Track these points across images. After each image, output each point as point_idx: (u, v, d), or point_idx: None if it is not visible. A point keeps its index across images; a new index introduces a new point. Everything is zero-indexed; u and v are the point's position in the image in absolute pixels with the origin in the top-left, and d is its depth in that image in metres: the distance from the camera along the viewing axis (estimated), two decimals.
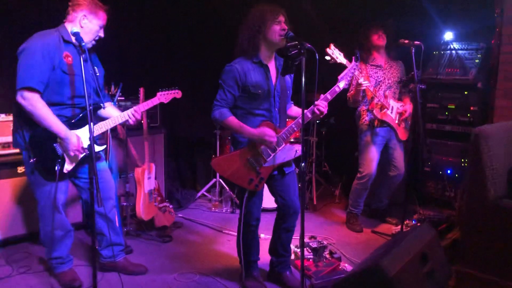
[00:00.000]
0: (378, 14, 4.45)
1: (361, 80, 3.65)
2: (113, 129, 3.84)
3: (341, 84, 2.94)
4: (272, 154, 2.83)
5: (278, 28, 2.75)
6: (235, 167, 2.81)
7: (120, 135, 3.98)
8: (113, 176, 3.62)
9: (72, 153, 2.79)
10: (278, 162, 2.87)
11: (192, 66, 5.23)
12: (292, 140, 4.95)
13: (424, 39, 3.75)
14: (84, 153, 2.84)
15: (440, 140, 4.73)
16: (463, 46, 4.61)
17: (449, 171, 4.66)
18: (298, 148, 2.92)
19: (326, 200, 5.05)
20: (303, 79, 2.53)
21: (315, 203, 4.80)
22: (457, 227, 3.98)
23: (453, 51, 4.64)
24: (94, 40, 2.90)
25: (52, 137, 2.76)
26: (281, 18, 2.78)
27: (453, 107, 4.60)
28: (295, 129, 2.84)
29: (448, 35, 4.71)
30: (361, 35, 4.10)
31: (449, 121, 4.64)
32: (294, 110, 3.11)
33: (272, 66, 2.89)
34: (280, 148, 2.85)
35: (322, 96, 2.87)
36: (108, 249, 3.22)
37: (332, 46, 3.43)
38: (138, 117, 3.04)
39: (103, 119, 3.02)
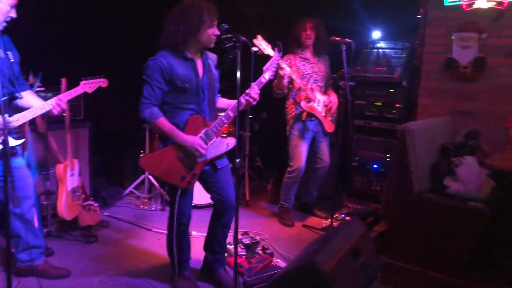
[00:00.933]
0: (310, 10, 4.49)
1: (283, 65, 3.64)
2: (32, 122, 3.56)
3: (267, 75, 2.92)
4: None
5: (211, 32, 2.70)
6: (166, 165, 2.70)
7: (40, 128, 3.69)
8: (32, 173, 3.36)
9: None
10: (209, 157, 2.81)
11: (121, 55, 4.96)
12: (224, 134, 4.89)
13: (354, 37, 3.84)
14: None
15: (367, 136, 4.88)
16: (390, 45, 4.79)
17: (375, 166, 4.82)
18: (229, 141, 2.88)
19: (259, 195, 5.04)
20: (238, 73, 2.48)
21: (247, 198, 4.77)
22: (383, 220, 4.14)
23: (380, 50, 4.80)
24: (5, 21, 2.63)
25: None
26: (216, 21, 2.72)
27: (380, 104, 4.75)
28: (225, 121, 2.78)
29: (376, 34, 4.87)
30: (292, 30, 4.11)
31: (376, 117, 4.79)
32: (223, 102, 3.03)
33: (198, 60, 2.81)
34: (211, 142, 2.78)
35: (252, 84, 2.83)
36: (26, 253, 2.97)
37: (259, 37, 3.42)
38: (64, 106, 2.82)
39: (22, 109, 2.77)
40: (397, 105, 4.65)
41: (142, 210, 4.48)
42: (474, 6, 4.09)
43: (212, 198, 2.96)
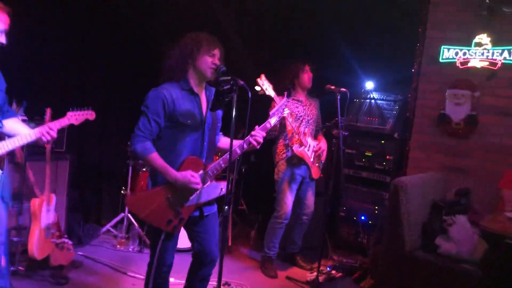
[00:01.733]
0: (304, 57, 4.48)
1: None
2: (10, 151, 3.38)
3: (273, 120, 2.81)
4: (196, 192, 2.58)
5: (210, 60, 2.57)
6: (153, 207, 2.51)
7: (18, 158, 3.51)
8: (4, 206, 3.15)
9: None
10: (201, 201, 2.62)
11: (105, 89, 4.85)
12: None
13: (346, 86, 3.81)
14: None
15: (355, 186, 4.80)
16: (382, 96, 4.79)
17: (363, 217, 4.71)
18: (223, 186, 2.70)
19: (242, 241, 4.85)
20: (233, 117, 2.38)
21: (229, 244, 4.58)
22: (369, 275, 4.00)
23: (373, 100, 4.79)
24: None
25: None
26: (216, 52, 2.61)
27: (370, 154, 4.70)
28: (223, 165, 2.63)
29: (369, 84, 4.88)
30: (290, 71, 4.05)
31: (366, 167, 4.73)
32: (224, 141, 2.88)
33: (203, 97, 2.68)
34: (205, 185, 2.62)
35: (257, 127, 2.71)
36: None
37: (263, 76, 3.36)
38: (54, 135, 2.65)
39: (5, 137, 2.60)
40: (388, 157, 4.60)
41: (119, 251, 4.24)
42: (469, 64, 4.14)
43: (192, 247, 2.76)
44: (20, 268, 3.44)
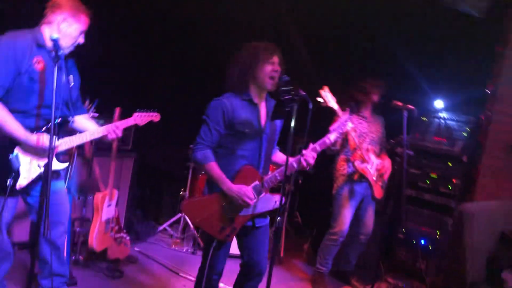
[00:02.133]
0: (370, 72, 4.36)
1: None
2: (80, 146, 3.57)
3: (332, 136, 2.73)
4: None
5: (269, 69, 2.56)
6: (208, 213, 2.54)
7: (87, 153, 3.69)
8: (70, 197, 3.32)
9: (34, 159, 2.52)
10: (255, 212, 2.61)
11: (172, 92, 5.01)
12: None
13: (414, 103, 3.66)
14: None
15: (417, 208, 4.58)
16: (453, 117, 4.55)
17: (423, 241, 4.49)
18: (277, 198, 2.67)
19: (294, 253, 4.79)
20: (292, 127, 2.36)
21: (281, 255, 4.53)
22: None
23: (442, 120, 4.57)
24: (72, 45, 2.66)
25: (8, 148, 2.48)
26: (275, 59, 2.60)
27: (435, 176, 4.48)
28: (278, 178, 2.60)
29: (439, 103, 4.65)
30: (359, 87, 3.96)
31: (430, 190, 4.51)
32: (279, 156, 2.86)
33: (262, 107, 2.68)
34: (260, 197, 2.60)
35: (311, 146, 2.65)
36: (48, 280, 2.87)
37: (326, 88, 3.32)
38: (119, 134, 2.79)
39: (76, 132, 2.76)
40: (454, 180, 4.35)
41: (173, 251, 4.34)
42: None
43: (241, 257, 2.75)
44: (81, 257, 3.60)
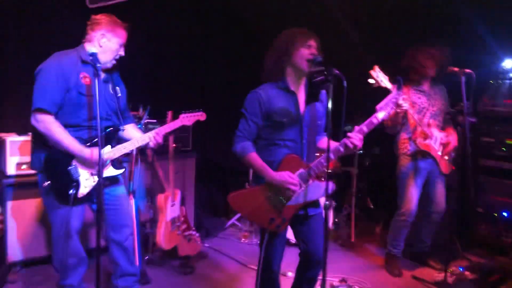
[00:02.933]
0: (429, 38, 4.09)
1: (401, 101, 3.27)
2: (143, 151, 3.76)
3: (380, 115, 2.55)
4: (299, 192, 2.53)
5: (307, 52, 2.50)
6: (255, 205, 2.55)
7: (149, 158, 3.88)
8: (136, 201, 3.51)
9: (90, 171, 2.70)
10: (303, 201, 2.56)
11: (227, 90, 5.09)
12: (330, 170, 4.66)
13: (479, 67, 3.38)
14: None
15: (496, 178, 4.26)
16: None
17: (505, 214, 4.17)
18: (328, 186, 2.59)
19: (366, 237, 4.67)
20: (330, 107, 2.30)
21: (352, 240, 4.44)
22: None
23: None
24: (114, 59, 2.81)
25: (67, 160, 2.68)
26: (312, 43, 2.54)
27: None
28: (324, 164, 2.52)
29: (508, 63, 4.27)
30: (409, 58, 3.76)
31: (508, 158, 4.17)
32: (325, 141, 2.79)
33: (301, 94, 2.62)
34: (308, 184, 2.55)
35: (356, 128, 2.52)
36: (122, 279, 3.06)
37: (376, 68, 3.15)
38: (159, 139, 2.90)
39: (125, 140, 2.92)
40: None
41: (243, 244, 4.43)
42: None
43: (299, 247, 2.72)
44: (153, 257, 3.79)
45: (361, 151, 4.93)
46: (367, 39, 4.84)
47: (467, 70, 3.30)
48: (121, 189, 3.01)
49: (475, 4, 4.28)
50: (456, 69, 3.37)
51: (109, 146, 2.78)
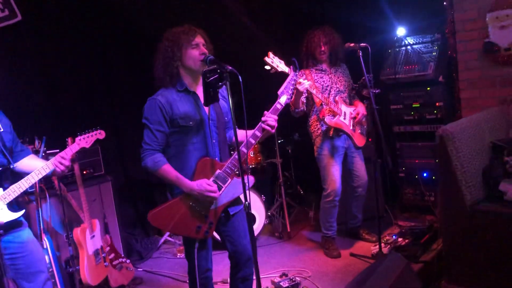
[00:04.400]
0: (326, 13, 4.12)
1: (301, 80, 3.28)
2: (51, 186, 3.46)
3: (283, 99, 2.53)
4: (219, 194, 2.43)
5: (196, 53, 2.41)
6: (177, 217, 2.41)
7: (58, 190, 3.57)
8: (49, 241, 3.23)
9: None
10: (227, 201, 2.49)
11: (137, 102, 4.82)
12: (252, 165, 4.60)
13: (377, 37, 3.45)
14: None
15: (410, 142, 4.43)
16: (418, 40, 4.35)
17: (425, 174, 4.35)
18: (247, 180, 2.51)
19: (302, 224, 4.67)
20: (231, 105, 2.22)
21: (288, 230, 4.41)
22: (440, 236, 3.65)
23: (408, 47, 4.36)
24: None
25: None
26: (199, 40, 2.44)
27: (418, 105, 4.31)
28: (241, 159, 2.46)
29: (401, 31, 4.44)
30: (304, 45, 3.78)
31: (417, 121, 4.34)
32: (240, 134, 2.69)
33: (201, 92, 2.51)
34: (226, 185, 2.45)
35: (266, 113, 2.49)
36: None
37: (270, 54, 3.12)
38: (67, 163, 2.64)
39: (26, 175, 2.62)
40: (437, 104, 4.19)
41: (179, 259, 4.23)
42: None
43: (227, 248, 2.63)
44: None
45: (281, 140, 4.91)
46: (264, 28, 4.82)
47: (363, 44, 3.36)
48: (25, 233, 2.71)
49: None
50: (352, 44, 3.42)
51: (0, 189, 2.50)
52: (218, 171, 2.45)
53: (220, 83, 2.24)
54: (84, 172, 3.91)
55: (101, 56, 4.68)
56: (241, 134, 2.58)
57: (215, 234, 2.71)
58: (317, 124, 3.77)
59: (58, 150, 3.56)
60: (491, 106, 3.78)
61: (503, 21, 3.64)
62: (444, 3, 3.97)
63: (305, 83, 3.27)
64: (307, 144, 4.66)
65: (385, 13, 4.44)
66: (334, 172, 3.74)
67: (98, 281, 3.41)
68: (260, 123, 2.45)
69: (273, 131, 2.49)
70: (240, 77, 2.15)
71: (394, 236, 3.83)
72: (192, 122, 2.43)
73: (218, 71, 2.21)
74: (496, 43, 3.70)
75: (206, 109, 2.50)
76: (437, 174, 4.21)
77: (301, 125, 4.12)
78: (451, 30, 3.98)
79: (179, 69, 2.46)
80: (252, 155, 4.59)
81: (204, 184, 2.38)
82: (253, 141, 2.47)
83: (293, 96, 3.47)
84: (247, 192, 2.20)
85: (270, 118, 2.45)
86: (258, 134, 2.46)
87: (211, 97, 2.31)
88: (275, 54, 3.16)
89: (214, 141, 2.52)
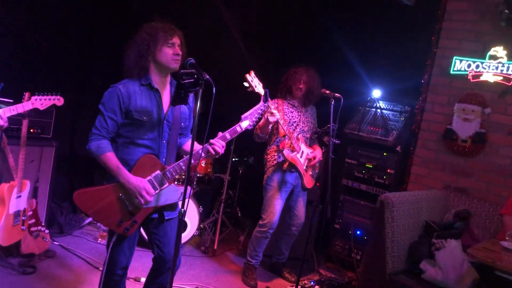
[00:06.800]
0: (309, 61, 4.25)
1: (273, 109, 3.35)
2: None
3: (244, 124, 2.58)
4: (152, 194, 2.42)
5: (170, 52, 2.42)
6: (103, 204, 2.35)
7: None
8: None
9: None
10: (159, 204, 2.46)
11: (101, 85, 4.76)
12: (200, 174, 4.59)
13: (352, 93, 3.57)
14: None
15: (354, 198, 4.56)
16: (389, 106, 4.53)
17: (358, 232, 4.46)
18: (183, 190, 2.50)
19: (229, 245, 4.67)
20: (197, 112, 2.23)
21: (215, 247, 4.40)
22: None
23: (379, 110, 4.53)
24: None
25: None
26: (175, 40, 2.45)
27: (371, 166, 4.45)
28: (183, 168, 2.46)
29: (376, 93, 4.62)
30: (286, 76, 3.87)
31: (366, 180, 4.48)
32: (189, 145, 2.69)
33: (165, 92, 2.51)
34: (162, 188, 2.44)
35: (220, 134, 2.51)
36: None
37: (252, 73, 3.17)
38: (1, 123, 2.56)
39: None
40: (388, 170, 4.34)
41: (99, 244, 4.13)
42: (481, 78, 3.85)
43: (152, 251, 2.59)
44: None
45: (236, 159, 4.95)
46: (253, 49, 4.90)
47: (337, 95, 3.47)
48: None
49: (351, 35, 4.57)
50: (327, 92, 3.52)
51: None
52: (157, 171, 2.43)
53: (192, 88, 2.26)
54: (32, 130, 3.78)
55: (84, 26, 4.60)
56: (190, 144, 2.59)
57: (143, 232, 2.68)
58: (274, 154, 3.83)
59: (12, 101, 3.47)
60: (435, 188, 3.99)
61: (468, 114, 3.87)
62: (422, 81, 4.17)
63: (276, 115, 3.35)
64: (258, 170, 4.72)
65: (362, 75, 4.66)
66: (276, 205, 3.79)
67: (10, 243, 3.27)
68: (206, 144, 2.45)
69: (217, 156, 2.50)
70: (214, 88, 2.18)
71: (312, 282, 3.91)
72: (146, 118, 2.41)
73: (195, 76, 2.23)
74: (456, 132, 3.92)
75: (165, 109, 2.49)
76: (369, 235, 4.34)
77: (259, 151, 4.17)
78: (420, 107, 4.18)
79: (149, 64, 2.45)
80: (203, 165, 4.59)
81: (144, 183, 2.36)
82: (203, 154, 2.46)
83: (263, 121, 3.53)
84: (186, 199, 2.20)
85: (218, 144, 2.46)
86: (202, 154, 2.45)
87: (180, 99, 2.32)
88: (256, 75, 3.22)
89: (164, 141, 2.50)
